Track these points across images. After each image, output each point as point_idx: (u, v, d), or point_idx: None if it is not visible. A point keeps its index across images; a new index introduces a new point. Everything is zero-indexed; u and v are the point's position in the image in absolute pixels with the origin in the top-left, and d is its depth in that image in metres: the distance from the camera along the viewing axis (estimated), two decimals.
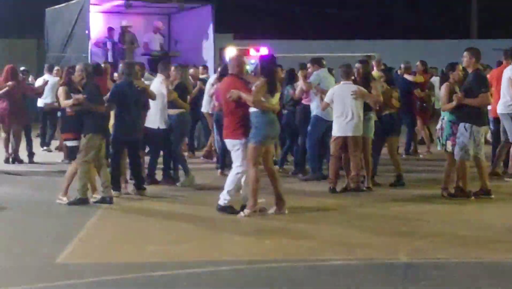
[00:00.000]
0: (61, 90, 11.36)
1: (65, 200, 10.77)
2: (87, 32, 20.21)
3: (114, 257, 7.82)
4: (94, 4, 20.99)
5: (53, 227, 9.41)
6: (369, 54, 19.21)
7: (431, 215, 10.01)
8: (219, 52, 22.65)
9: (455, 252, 8.04)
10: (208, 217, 9.94)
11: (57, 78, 17.34)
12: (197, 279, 7.14)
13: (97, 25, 21.10)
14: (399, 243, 8.42)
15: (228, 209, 9.94)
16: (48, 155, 16.78)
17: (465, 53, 11.07)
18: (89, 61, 19.92)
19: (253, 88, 9.86)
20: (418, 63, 17.06)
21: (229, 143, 10.10)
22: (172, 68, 13.33)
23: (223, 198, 9.99)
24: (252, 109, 9.88)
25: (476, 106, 10.83)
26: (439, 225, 9.38)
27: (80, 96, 10.79)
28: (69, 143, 11.29)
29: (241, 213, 9.82)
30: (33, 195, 11.73)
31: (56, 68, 18.11)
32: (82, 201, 10.66)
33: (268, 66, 10.22)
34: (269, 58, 10.97)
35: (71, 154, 11.48)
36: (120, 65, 12.39)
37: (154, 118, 12.37)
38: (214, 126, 14.58)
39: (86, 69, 11.18)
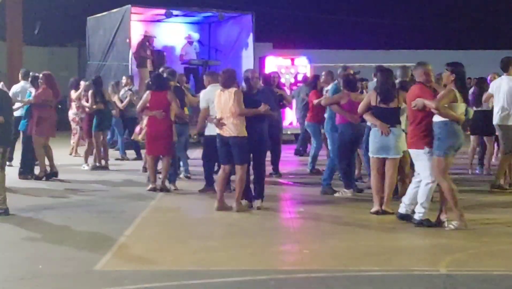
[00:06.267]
0: None
1: None
2: (128, 40, 20.41)
3: (152, 265, 7.83)
4: (135, 13, 21.21)
5: (92, 234, 9.46)
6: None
7: (471, 225, 9.88)
8: (258, 61, 22.74)
9: (497, 264, 7.91)
10: (246, 226, 9.93)
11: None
12: (235, 288, 7.13)
13: (138, 33, 21.30)
14: (438, 254, 8.33)
15: (425, 222, 9.64)
16: None
17: None
18: (130, 70, 20.20)
19: (438, 95, 9.59)
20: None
21: (413, 152, 9.84)
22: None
23: (418, 212, 9.68)
24: (435, 119, 9.53)
25: None
26: (479, 236, 9.24)
27: None
28: None
29: (450, 226, 9.57)
30: (74, 202, 11.84)
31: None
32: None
33: (460, 74, 9.59)
34: (461, 65, 9.76)
35: None
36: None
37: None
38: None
39: None
